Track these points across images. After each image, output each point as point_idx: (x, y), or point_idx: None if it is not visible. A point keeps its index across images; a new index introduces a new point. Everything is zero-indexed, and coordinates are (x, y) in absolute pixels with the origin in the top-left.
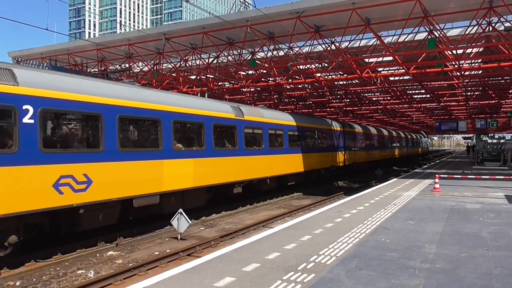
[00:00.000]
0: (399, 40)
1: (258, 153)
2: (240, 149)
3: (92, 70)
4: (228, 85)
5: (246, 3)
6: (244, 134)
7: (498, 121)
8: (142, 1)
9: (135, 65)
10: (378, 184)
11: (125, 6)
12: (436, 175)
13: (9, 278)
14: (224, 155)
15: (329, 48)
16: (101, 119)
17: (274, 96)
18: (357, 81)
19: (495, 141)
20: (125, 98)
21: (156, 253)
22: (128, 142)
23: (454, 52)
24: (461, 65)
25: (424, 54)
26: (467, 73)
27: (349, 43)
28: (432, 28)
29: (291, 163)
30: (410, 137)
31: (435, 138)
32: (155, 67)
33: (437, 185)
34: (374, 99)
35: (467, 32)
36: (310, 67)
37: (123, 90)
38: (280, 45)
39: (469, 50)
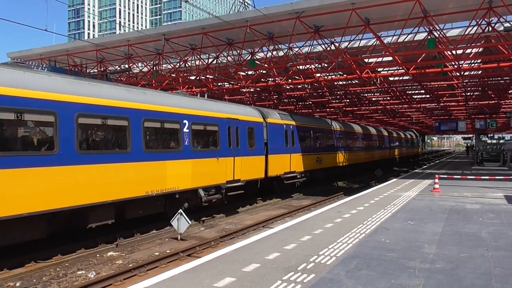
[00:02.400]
0: (398, 40)
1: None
2: None
3: (91, 71)
4: (228, 85)
5: (246, 4)
6: None
7: (497, 122)
8: (142, 2)
9: (135, 66)
10: (378, 184)
11: (124, 6)
12: (436, 176)
13: (9, 279)
14: None
15: (328, 48)
16: None
17: (274, 96)
18: (356, 81)
19: (494, 141)
20: None
21: (156, 253)
22: None
23: (454, 52)
24: (460, 66)
25: (423, 55)
26: (466, 73)
27: (349, 43)
28: (431, 28)
29: (134, 179)
30: (388, 135)
31: (435, 138)
32: (154, 67)
33: (436, 186)
34: (373, 99)
35: (466, 33)
36: (310, 67)
37: None
38: (279, 46)
39: (468, 51)
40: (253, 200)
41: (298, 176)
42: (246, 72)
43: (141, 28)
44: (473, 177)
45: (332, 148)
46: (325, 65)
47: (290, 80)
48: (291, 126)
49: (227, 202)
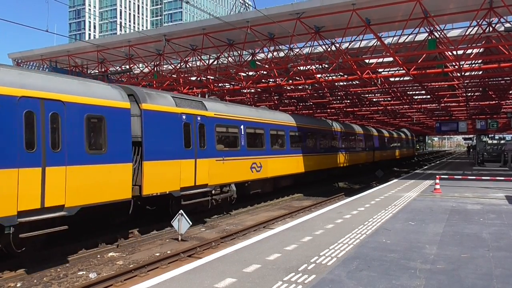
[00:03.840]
0: (399, 41)
1: None
2: None
3: (92, 72)
4: (229, 86)
5: (246, 4)
6: None
7: (498, 122)
8: (142, 3)
9: (136, 67)
10: (378, 185)
11: (125, 7)
12: (437, 176)
13: (10, 279)
14: None
15: (329, 49)
16: None
17: (275, 97)
18: (357, 82)
19: (495, 141)
20: None
21: (157, 254)
22: None
23: (455, 52)
24: (461, 66)
25: (424, 55)
26: (467, 73)
27: (349, 44)
28: (432, 28)
29: None
30: (371, 134)
31: (436, 139)
32: (155, 68)
33: (437, 186)
34: (374, 100)
35: (467, 33)
36: (311, 68)
37: None
38: (280, 46)
39: (469, 51)
40: (254, 201)
41: (213, 192)
42: (247, 72)
43: (142, 29)
44: (474, 177)
45: (278, 150)
46: (326, 65)
47: (290, 81)
48: (198, 117)
49: (24, 249)
